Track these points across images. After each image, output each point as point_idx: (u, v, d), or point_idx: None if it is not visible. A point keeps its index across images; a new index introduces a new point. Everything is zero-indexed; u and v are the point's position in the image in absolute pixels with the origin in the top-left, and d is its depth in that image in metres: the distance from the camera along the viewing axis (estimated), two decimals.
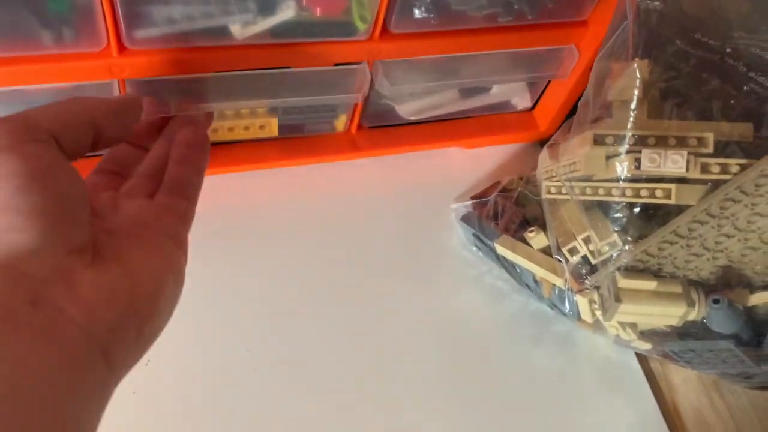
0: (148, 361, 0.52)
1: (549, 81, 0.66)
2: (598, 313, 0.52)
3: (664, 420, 0.57)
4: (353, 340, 0.56)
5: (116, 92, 0.51)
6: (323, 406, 0.53)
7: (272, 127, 0.60)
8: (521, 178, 0.62)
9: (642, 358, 0.60)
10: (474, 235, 0.62)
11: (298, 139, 0.63)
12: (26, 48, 0.47)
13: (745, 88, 0.49)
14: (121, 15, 0.46)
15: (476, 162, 0.68)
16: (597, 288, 0.52)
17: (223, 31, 0.50)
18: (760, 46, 0.48)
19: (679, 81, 0.50)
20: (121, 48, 0.48)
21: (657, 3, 0.43)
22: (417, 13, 0.53)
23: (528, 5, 0.55)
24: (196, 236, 0.59)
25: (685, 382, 0.60)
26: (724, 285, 0.49)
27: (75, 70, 0.48)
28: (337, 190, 0.64)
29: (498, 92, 0.66)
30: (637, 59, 0.47)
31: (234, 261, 0.58)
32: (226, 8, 0.49)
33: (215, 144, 0.60)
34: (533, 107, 0.69)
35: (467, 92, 0.66)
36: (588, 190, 0.49)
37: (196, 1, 0.48)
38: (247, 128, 0.59)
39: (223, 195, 0.61)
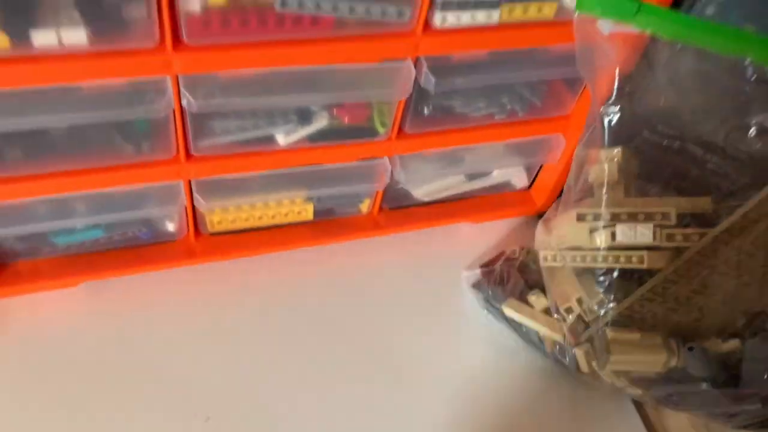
0: (208, 418, 0.60)
1: (542, 164, 0.77)
2: (594, 363, 0.60)
3: None
4: (376, 395, 0.64)
5: (182, 192, 0.62)
6: None
7: (308, 213, 0.70)
8: (522, 248, 0.72)
9: (638, 404, 0.67)
10: (484, 299, 0.71)
11: (328, 221, 0.73)
12: (111, 159, 0.58)
13: (701, 167, 0.59)
14: (189, 129, 0.57)
15: (483, 235, 0.78)
16: (591, 342, 0.60)
17: (270, 139, 0.61)
18: (709, 133, 0.58)
19: (647, 164, 0.60)
20: (188, 155, 0.59)
21: (617, 109, 0.53)
22: (427, 115, 0.64)
23: (519, 105, 0.67)
24: (250, 312, 0.68)
25: (679, 426, 0.67)
26: (700, 334, 0.58)
27: (149, 175, 0.59)
28: (363, 264, 0.74)
29: (498, 175, 0.76)
30: (610, 148, 0.57)
31: (283, 332, 0.67)
32: (272, 120, 0.60)
33: (259, 229, 0.71)
34: (530, 186, 0.80)
35: (472, 176, 0.76)
36: (578, 258, 0.59)
37: (248, 116, 0.60)
38: (286, 215, 0.69)
39: (264, 273, 0.71)
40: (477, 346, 0.70)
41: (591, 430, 0.65)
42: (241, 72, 0.53)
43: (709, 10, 0.61)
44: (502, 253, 0.74)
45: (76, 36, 0.47)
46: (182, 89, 0.52)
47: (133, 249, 0.67)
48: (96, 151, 0.57)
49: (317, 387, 0.64)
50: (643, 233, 0.52)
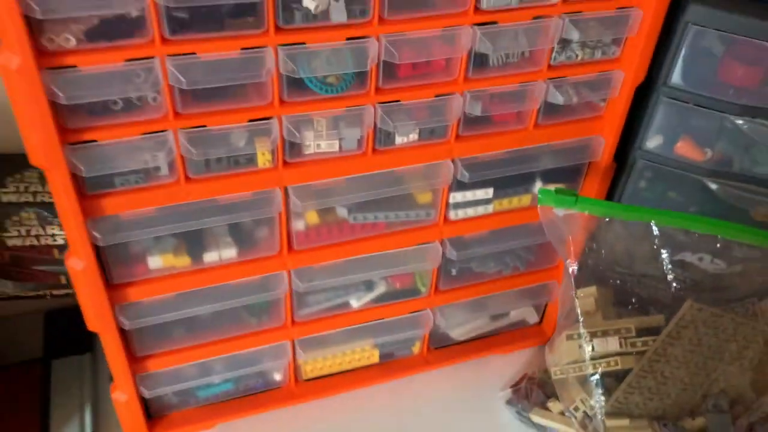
0: None
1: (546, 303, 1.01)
2: None
3: None
4: None
5: (288, 350, 0.87)
6: None
7: (375, 357, 0.94)
8: (539, 368, 0.94)
9: None
10: (516, 412, 0.92)
11: (390, 363, 0.97)
12: (240, 329, 0.84)
13: (655, 292, 0.83)
14: (295, 303, 0.84)
15: (510, 362, 1.00)
16: None
17: (347, 304, 0.87)
18: (652, 269, 0.83)
19: (618, 294, 0.84)
20: (293, 322, 0.85)
21: (577, 264, 0.79)
22: (454, 276, 0.90)
23: (519, 262, 0.93)
24: None
25: None
26: (674, 415, 0.78)
27: (267, 339, 0.85)
28: (418, 394, 0.96)
29: (515, 315, 1.00)
30: (584, 287, 0.82)
31: None
32: (347, 291, 0.87)
33: (339, 373, 0.94)
34: (540, 321, 1.03)
35: (495, 317, 1.00)
36: (575, 369, 0.81)
37: (331, 290, 0.86)
38: (359, 360, 0.93)
39: (344, 408, 0.93)
40: None
41: None
42: (328, 261, 0.81)
43: (642, 184, 0.88)
44: (525, 375, 0.96)
45: (230, 253, 0.76)
46: (293, 278, 0.79)
47: (251, 396, 0.91)
48: (230, 324, 0.84)
49: None
50: (611, 344, 0.75)
